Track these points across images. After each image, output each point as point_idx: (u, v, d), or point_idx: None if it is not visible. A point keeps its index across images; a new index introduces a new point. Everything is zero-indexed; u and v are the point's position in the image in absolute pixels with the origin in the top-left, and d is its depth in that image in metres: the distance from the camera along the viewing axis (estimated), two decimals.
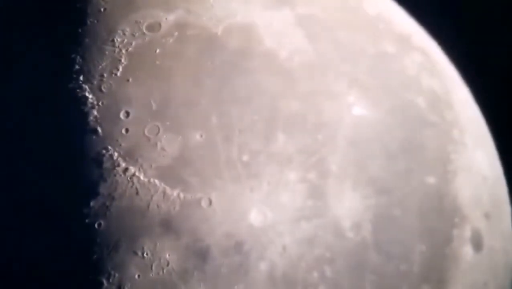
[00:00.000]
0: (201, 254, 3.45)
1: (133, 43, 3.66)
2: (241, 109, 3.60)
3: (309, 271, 3.53)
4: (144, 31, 3.69)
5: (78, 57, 3.61)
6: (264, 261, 3.49)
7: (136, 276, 3.41)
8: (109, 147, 3.49)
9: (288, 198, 3.55)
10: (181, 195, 3.47)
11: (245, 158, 3.54)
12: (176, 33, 3.68)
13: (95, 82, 3.57)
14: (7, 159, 3.46)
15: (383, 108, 3.85)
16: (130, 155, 3.48)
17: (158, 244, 3.43)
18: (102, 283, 3.41)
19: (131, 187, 3.45)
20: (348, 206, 3.62)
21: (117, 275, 3.41)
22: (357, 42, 3.99)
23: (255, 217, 3.51)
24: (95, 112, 3.52)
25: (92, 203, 3.42)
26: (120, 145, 3.49)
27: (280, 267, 3.50)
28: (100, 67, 3.60)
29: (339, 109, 3.74)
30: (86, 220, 3.41)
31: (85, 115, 3.52)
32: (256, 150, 3.56)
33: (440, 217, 3.78)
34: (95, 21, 3.69)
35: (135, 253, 3.42)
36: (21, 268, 3.44)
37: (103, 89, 3.56)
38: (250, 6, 3.83)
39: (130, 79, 3.58)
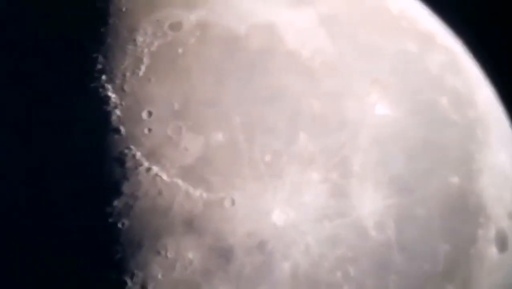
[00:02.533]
0: (224, 254, 3.45)
1: (155, 43, 3.66)
2: (263, 109, 3.59)
3: (333, 271, 3.52)
4: (166, 30, 3.68)
5: (101, 56, 3.61)
6: (287, 261, 3.48)
7: (160, 276, 3.41)
8: (132, 147, 3.49)
9: (311, 197, 3.54)
10: (204, 195, 3.47)
11: (267, 158, 3.54)
12: (198, 33, 3.68)
13: (117, 82, 3.57)
14: (31, 159, 3.46)
15: (405, 107, 3.84)
16: (152, 155, 3.48)
17: (181, 243, 3.43)
18: (125, 282, 3.42)
19: (154, 186, 3.45)
20: (371, 206, 3.60)
21: (140, 274, 3.42)
22: (379, 41, 3.98)
23: (278, 216, 3.50)
24: (118, 112, 3.52)
25: (115, 203, 3.42)
26: (143, 144, 3.49)
27: (303, 267, 3.49)
28: (123, 66, 3.60)
29: (361, 109, 3.73)
30: (110, 220, 3.42)
31: (108, 114, 3.52)
32: (279, 150, 3.55)
33: (464, 217, 3.76)
34: (117, 21, 3.69)
35: (158, 253, 3.42)
36: (46, 267, 3.45)
37: (125, 88, 3.56)
38: (272, 5, 3.82)
39: (152, 79, 3.58)
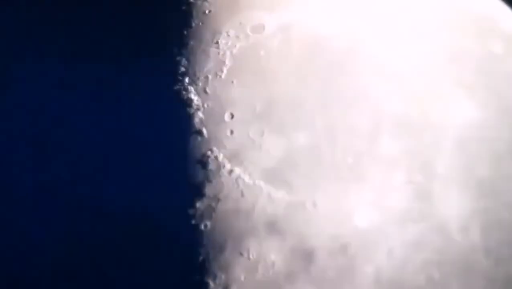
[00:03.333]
0: (307, 256, 3.44)
1: (237, 45, 3.67)
2: (346, 110, 3.57)
3: (416, 274, 3.48)
4: (248, 32, 3.69)
5: (184, 59, 3.63)
6: (370, 264, 3.45)
7: (242, 278, 3.42)
8: (215, 149, 3.50)
9: (394, 200, 3.51)
10: (286, 197, 3.46)
11: (350, 159, 3.52)
12: (280, 35, 3.68)
13: (200, 84, 3.59)
14: (113, 163, 3.50)
15: (490, 109, 3.77)
16: (235, 157, 3.49)
17: (263, 245, 3.43)
18: (208, 284, 3.43)
19: (237, 188, 3.46)
20: (456, 209, 3.55)
21: (223, 276, 3.42)
22: (462, 42, 3.92)
23: (360, 219, 3.48)
24: (200, 114, 3.54)
25: (198, 205, 3.44)
26: (225, 146, 3.50)
27: (387, 270, 3.46)
28: (205, 69, 3.62)
29: (445, 111, 3.68)
30: (192, 222, 3.43)
31: (191, 117, 3.54)
32: (361, 152, 3.53)
33: None
34: (200, 23, 3.71)
35: (241, 254, 3.42)
36: (125, 270, 3.48)
37: (208, 91, 3.58)
38: (355, 7, 3.80)
39: (235, 81, 3.59)
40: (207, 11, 3.75)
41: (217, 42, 3.69)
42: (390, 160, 3.54)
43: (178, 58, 3.65)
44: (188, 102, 3.58)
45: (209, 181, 3.48)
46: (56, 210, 3.50)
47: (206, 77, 3.62)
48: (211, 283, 3.44)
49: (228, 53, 3.67)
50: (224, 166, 3.50)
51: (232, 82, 3.61)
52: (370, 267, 3.45)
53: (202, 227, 3.45)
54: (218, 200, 3.46)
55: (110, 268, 3.44)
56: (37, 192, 3.56)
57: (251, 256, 3.43)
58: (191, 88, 3.60)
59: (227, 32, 3.71)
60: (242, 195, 3.47)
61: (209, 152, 3.52)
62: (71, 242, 3.47)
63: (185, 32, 3.71)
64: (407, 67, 3.70)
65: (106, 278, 3.45)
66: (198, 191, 3.48)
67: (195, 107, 3.57)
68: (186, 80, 3.62)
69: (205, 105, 3.58)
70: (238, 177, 3.48)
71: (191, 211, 3.46)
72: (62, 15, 3.80)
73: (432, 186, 3.55)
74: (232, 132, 3.54)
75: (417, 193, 3.53)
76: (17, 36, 3.83)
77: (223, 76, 3.62)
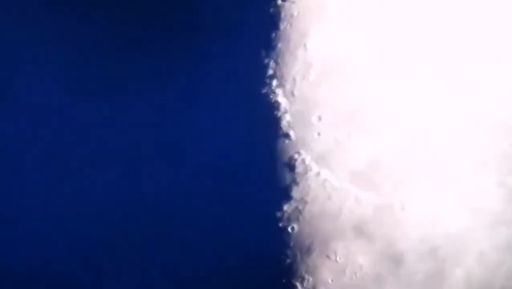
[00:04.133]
0: (395, 259, 3.42)
1: (325, 47, 3.66)
2: (436, 112, 3.51)
3: (509, 278, 3.40)
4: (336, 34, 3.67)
5: (272, 62, 3.65)
6: (460, 267, 3.40)
7: (330, 280, 3.43)
8: (302, 151, 3.51)
9: (485, 202, 3.44)
10: (374, 200, 3.44)
11: (439, 161, 3.46)
12: (367, 37, 3.65)
13: (287, 87, 3.60)
14: (199, 166, 3.56)
15: None
16: (322, 159, 3.49)
17: (351, 248, 3.42)
18: (296, 287, 3.45)
19: (324, 191, 3.46)
20: None
21: (311, 279, 3.44)
22: None
23: (450, 222, 3.43)
24: (288, 117, 3.56)
25: (285, 207, 3.46)
26: (313, 149, 3.50)
27: (477, 274, 3.40)
28: (293, 71, 3.62)
29: None
30: (280, 224, 3.46)
31: (278, 119, 3.56)
32: (451, 154, 3.47)
33: None
34: (288, 26, 3.71)
35: (328, 257, 3.43)
36: (212, 274, 3.54)
37: (295, 93, 3.59)
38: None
39: (323, 84, 3.58)
40: (295, 13, 3.75)
41: (305, 45, 3.68)
42: (481, 162, 3.47)
43: (266, 60, 3.67)
44: (275, 105, 3.60)
45: (296, 184, 3.50)
46: None
47: (294, 80, 3.63)
48: (299, 286, 3.46)
49: (316, 55, 3.66)
50: (311, 169, 3.51)
51: (320, 84, 3.60)
52: (460, 270, 3.41)
53: (290, 229, 3.48)
54: (305, 202, 3.48)
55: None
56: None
57: (338, 259, 3.44)
58: (279, 91, 3.62)
59: (315, 34, 3.70)
60: (329, 197, 3.47)
61: (296, 155, 3.53)
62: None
63: (273, 35, 3.72)
64: (500, 68, 3.61)
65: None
66: (285, 194, 3.50)
67: (282, 110, 3.59)
68: (274, 82, 3.63)
69: (293, 108, 3.59)
70: (325, 179, 3.49)
71: (279, 214, 3.49)
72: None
73: None
74: (319, 134, 3.54)
75: (510, 196, 3.44)
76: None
77: (310, 78, 3.62)
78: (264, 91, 3.63)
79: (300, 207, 3.47)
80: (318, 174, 3.49)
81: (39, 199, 3.69)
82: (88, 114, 3.71)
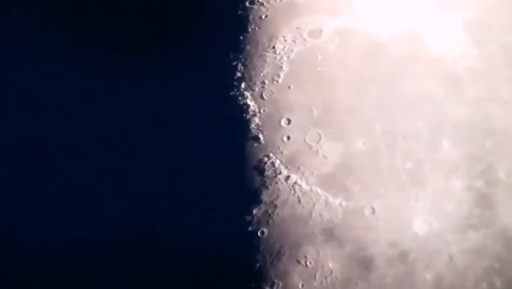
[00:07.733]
0: (365, 263, 3.39)
1: (294, 50, 3.64)
2: (405, 116, 3.52)
3: (478, 282, 3.40)
4: (305, 37, 3.66)
5: (240, 64, 3.61)
6: (430, 271, 3.39)
7: (300, 285, 3.39)
8: (271, 155, 3.48)
9: (454, 206, 3.44)
10: (344, 204, 3.42)
11: (409, 165, 3.46)
12: (338, 39, 3.63)
13: (256, 90, 3.57)
14: (174, 168, 3.51)
15: None
16: (291, 163, 3.46)
17: (321, 252, 3.39)
18: None
19: (293, 195, 3.43)
20: None
21: (280, 283, 3.40)
22: None
23: (420, 226, 3.42)
24: (256, 120, 3.52)
25: (255, 211, 3.42)
26: (282, 152, 3.47)
27: (447, 278, 3.39)
28: (262, 74, 3.59)
29: (508, 116, 3.58)
30: (249, 228, 3.41)
31: (247, 122, 3.52)
32: (421, 158, 3.47)
33: None
34: (257, 28, 3.69)
35: (298, 262, 3.39)
36: (181, 278, 3.49)
37: (264, 96, 3.56)
38: (415, 11, 3.73)
39: (292, 86, 3.56)
40: (263, 16, 3.72)
41: (273, 47, 3.66)
42: (450, 166, 3.47)
43: (234, 63, 3.64)
44: (244, 108, 3.56)
45: (266, 187, 3.46)
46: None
47: (263, 82, 3.59)
48: None
49: (285, 58, 3.64)
50: (280, 172, 3.47)
51: (289, 87, 3.58)
52: (430, 274, 3.39)
53: (259, 233, 3.43)
54: (275, 206, 3.44)
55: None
56: None
57: (308, 264, 3.40)
58: (247, 94, 3.58)
59: (284, 37, 3.68)
60: (299, 201, 3.44)
61: (265, 158, 3.49)
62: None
63: (241, 37, 3.69)
64: (468, 71, 3.62)
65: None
66: (255, 198, 3.46)
67: (251, 112, 3.55)
68: (243, 85, 3.60)
69: (262, 111, 3.55)
70: (295, 183, 3.46)
71: (248, 218, 3.44)
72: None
73: (493, 192, 3.46)
74: (288, 137, 3.51)
75: (478, 200, 3.45)
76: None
77: (280, 81, 3.59)
78: (232, 93, 3.59)
79: (270, 211, 3.43)
80: (287, 177, 3.46)
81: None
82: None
